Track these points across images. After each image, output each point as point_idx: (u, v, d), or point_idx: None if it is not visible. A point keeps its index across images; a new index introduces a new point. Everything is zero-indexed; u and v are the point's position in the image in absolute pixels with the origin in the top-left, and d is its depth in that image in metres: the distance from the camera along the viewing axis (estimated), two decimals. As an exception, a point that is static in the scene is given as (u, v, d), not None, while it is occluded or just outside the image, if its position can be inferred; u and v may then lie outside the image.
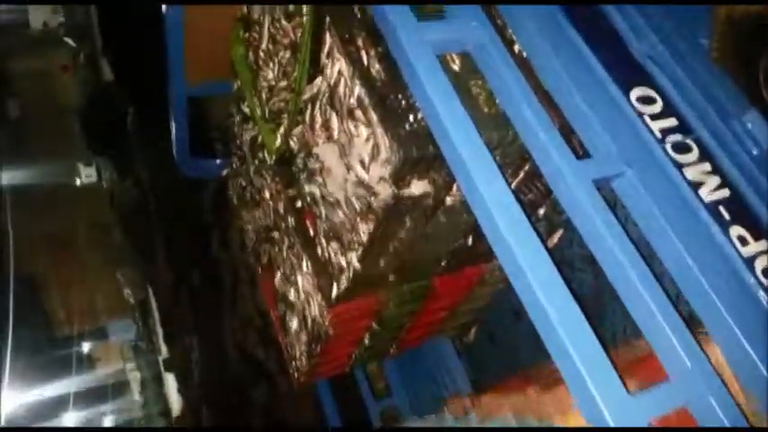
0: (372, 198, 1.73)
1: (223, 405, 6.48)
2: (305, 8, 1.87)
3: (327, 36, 1.77)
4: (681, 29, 1.99)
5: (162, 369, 12.24)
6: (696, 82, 1.83)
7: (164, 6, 2.48)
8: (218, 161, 3.38)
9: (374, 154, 1.66)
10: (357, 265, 1.90)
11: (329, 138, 1.88)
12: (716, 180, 1.60)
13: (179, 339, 8.71)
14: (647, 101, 1.71)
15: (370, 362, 3.27)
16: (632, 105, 1.67)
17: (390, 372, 3.39)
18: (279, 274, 2.49)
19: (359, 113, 1.70)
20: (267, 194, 2.56)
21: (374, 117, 1.63)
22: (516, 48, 1.78)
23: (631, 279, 1.35)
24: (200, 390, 7.55)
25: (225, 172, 3.19)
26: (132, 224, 10.96)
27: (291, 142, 2.22)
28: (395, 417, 3.31)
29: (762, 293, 1.37)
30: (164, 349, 11.44)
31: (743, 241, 1.47)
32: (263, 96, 2.33)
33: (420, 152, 1.58)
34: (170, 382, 11.53)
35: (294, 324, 2.44)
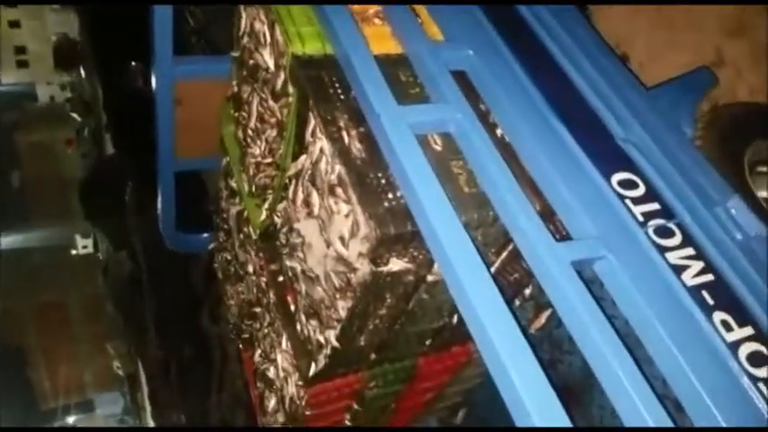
0: (351, 274, 1.70)
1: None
2: (290, 89, 1.91)
3: (311, 116, 1.80)
4: (664, 118, 2.03)
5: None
6: (679, 169, 1.84)
7: (153, 84, 2.54)
8: (205, 235, 3.37)
9: (354, 230, 1.65)
10: (335, 342, 1.85)
11: (310, 214, 1.87)
12: (699, 265, 1.58)
13: (166, 415, 8.46)
14: (630, 185, 1.71)
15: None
16: (613, 189, 1.68)
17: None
18: (259, 351, 2.43)
19: (339, 191, 1.70)
20: (251, 269, 2.54)
21: (353, 195, 1.63)
22: (499, 131, 1.80)
23: (609, 361, 1.31)
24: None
25: (211, 246, 3.18)
26: (124, 297, 10.85)
27: (276, 217, 2.21)
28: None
29: (745, 380, 1.32)
30: (151, 424, 11.09)
31: (726, 327, 1.44)
32: (251, 172, 2.34)
33: (398, 230, 1.57)
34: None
35: (272, 403, 2.36)
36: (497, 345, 1.30)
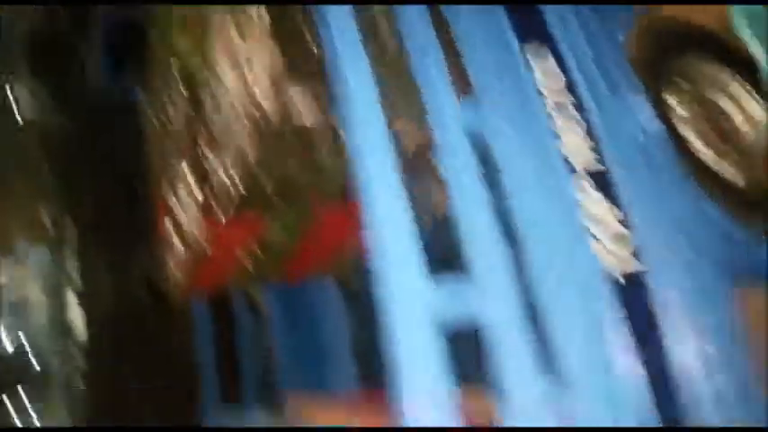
0: (260, 116, 1.73)
1: (121, 332, 6.42)
2: None
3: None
4: (603, 22, 2.04)
5: (69, 298, 11.88)
6: (599, 65, 1.87)
7: None
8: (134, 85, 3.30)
9: (267, 69, 1.67)
10: (239, 184, 1.90)
11: (230, 55, 1.87)
12: (591, 154, 1.63)
13: (92, 269, 8.49)
14: (540, 56, 1.70)
15: (252, 286, 3.19)
16: (525, 57, 1.68)
17: (271, 302, 3.20)
18: (171, 194, 2.46)
19: (257, 32, 1.70)
20: (174, 117, 2.52)
21: (269, 36, 1.63)
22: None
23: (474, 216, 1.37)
24: (104, 318, 7.43)
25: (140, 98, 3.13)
26: (59, 156, 10.58)
27: (200, 62, 2.19)
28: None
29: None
30: (76, 279, 11.12)
31: (596, 205, 1.52)
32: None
33: (311, 71, 1.59)
34: (75, 308, 11.23)
35: (176, 240, 2.42)
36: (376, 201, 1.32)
